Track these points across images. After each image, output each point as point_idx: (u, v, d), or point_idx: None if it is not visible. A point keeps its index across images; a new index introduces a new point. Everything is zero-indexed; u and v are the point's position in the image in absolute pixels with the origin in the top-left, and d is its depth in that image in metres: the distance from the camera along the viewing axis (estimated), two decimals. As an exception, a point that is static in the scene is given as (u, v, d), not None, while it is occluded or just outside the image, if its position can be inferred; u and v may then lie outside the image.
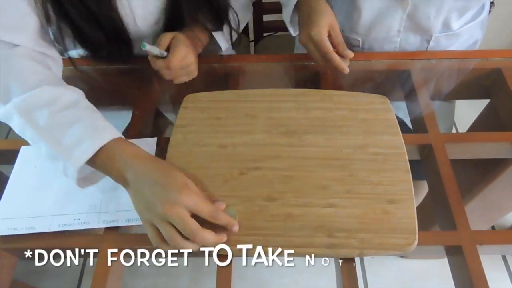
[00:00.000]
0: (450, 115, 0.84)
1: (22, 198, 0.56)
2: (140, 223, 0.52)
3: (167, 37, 0.62)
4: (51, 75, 0.55)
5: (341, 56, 0.63)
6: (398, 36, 0.72)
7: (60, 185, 0.56)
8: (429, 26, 0.70)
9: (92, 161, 0.47)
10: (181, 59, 0.61)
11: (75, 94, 0.52)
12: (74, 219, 0.53)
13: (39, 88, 0.50)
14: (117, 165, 0.47)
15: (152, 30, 0.68)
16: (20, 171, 0.59)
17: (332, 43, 0.62)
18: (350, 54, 0.64)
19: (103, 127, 0.49)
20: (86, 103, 0.53)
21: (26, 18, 0.55)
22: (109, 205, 0.54)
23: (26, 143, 0.61)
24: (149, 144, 0.60)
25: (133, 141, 0.59)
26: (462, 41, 0.76)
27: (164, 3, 0.65)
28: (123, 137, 0.50)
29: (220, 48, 0.72)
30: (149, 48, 0.58)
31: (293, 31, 0.71)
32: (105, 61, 0.71)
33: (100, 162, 0.48)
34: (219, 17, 0.68)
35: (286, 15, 0.69)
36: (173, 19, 0.67)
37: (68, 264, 0.50)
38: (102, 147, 0.47)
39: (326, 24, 0.61)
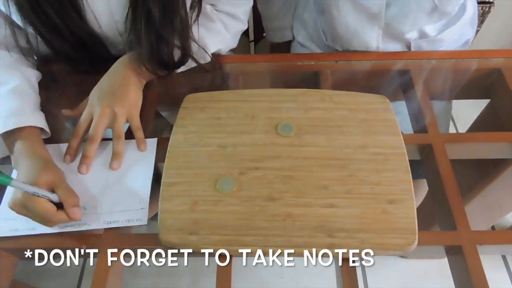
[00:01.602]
0: (447, 114, 0.84)
1: None
2: (140, 223, 0.52)
3: (84, 103, 0.60)
4: (8, 58, 0.61)
5: None
6: (377, 49, 0.74)
7: None
8: (405, 37, 0.72)
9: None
10: (103, 126, 0.57)
11: (16, 79, 0.59)
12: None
13: None
14: (12, 152, 0.55)
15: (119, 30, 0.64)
16: None
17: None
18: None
19: (15, 114, 0.55)
20: (21, 87, 0.59)
21: None
22: (109, 205, 0.54)
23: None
24: (150, 144, 0.60)
25: (133, 141, 0.60)
26: (451, 42, 0.76)
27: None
28: (30, 125, 0.56)
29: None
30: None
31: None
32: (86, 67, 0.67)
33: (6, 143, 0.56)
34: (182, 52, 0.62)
35: None
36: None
37: (68, 264, 0.50)
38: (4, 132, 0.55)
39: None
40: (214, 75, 0.72)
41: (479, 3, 0.83)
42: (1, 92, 0.58)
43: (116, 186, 0.56)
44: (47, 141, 0.59)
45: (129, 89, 0.60)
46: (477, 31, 0.86)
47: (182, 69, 0.66)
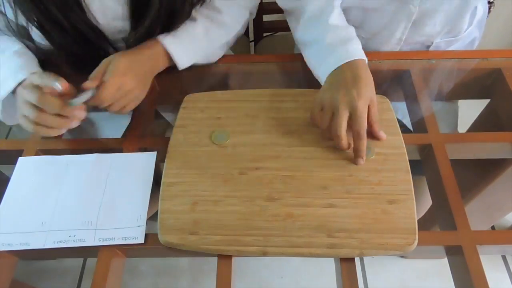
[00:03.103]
0: (454, 115, 0.84)
1: (17, 212, 0.55)
2: (136, 241, 0.52)
3: (100, 68, 0.58)
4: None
5: (374, 136, 0.57)
6: (398, 45, 0.72)
7: (56, 200, 0.55)
8: (433, 33, 0.70)
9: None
10: (113, 90, 0.57)
11: (16, 44, 0.62)
12: (70, 236, 0.52)
13: None
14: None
15: (116, 28, 0.64)
16: (17, 184, 0.58)
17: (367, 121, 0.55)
18: (383, 136, 0.57)
19: (23, 68, 0.58)
20: (24, 50, 0.62)
21: None
22: (105, 221, 0.53)
23: (25, 152, 0.62)
24: (148, 159, 0.59)
25: (133, 155, 0.60)
26: (460, 42, 0.76)
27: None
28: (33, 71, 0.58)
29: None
30: (77, 101, 0.54)
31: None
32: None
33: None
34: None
35: (325, 70, 0.60)
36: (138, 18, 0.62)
37: (68, 264, 0.50)
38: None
39: (369, 97, 0.54)
40: (214, 75, 0.72)
41: (479, 3, 0.83)
42: (6, 54, 0.60)
43: (113, 201, 0.55)
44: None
45: (148, 75, 0.63)
46: (477, 31, 0.86)
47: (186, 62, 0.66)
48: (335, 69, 0.58)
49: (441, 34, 0.71)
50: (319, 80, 0.63)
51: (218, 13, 0.69)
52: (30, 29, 0.60)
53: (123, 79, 0.58)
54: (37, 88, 0.54)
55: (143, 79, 0.62)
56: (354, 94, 0.53)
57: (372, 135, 0.57)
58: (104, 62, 0.59)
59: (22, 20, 0.59)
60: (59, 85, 0.54)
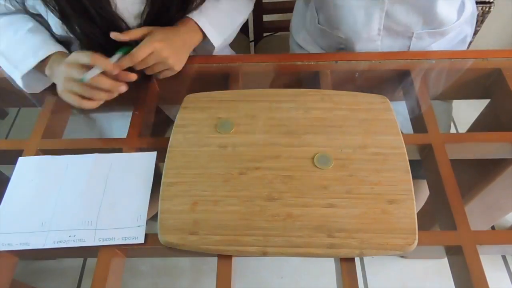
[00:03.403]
0: (448, 114, 0.84)
1: (17, 212, 0.55)
2: (136, 241, 0.52)
3: (136, 31, 0.63)
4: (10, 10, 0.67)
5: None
6: (379, 35, 0.72)
7: (56, 200, 0.55)
8: (409, 23, 0.70)
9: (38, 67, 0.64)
10: (148, 51, 0.61)
11: (30, 22, 0.66)
12: (70, 236, 0.52)
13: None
14: (47, 68, 0.64)
15: (133, 13, 0.67)
16: (17, 184, 0.58)
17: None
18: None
19: (42, 46, 0.64)
20: (37, 27, 0.66)
21: None
22: (105, 221, 0.53)
23: (25, 152, 0.62)
24: (148, 159, 0.59)
25: (133, 155, 0.60)
26: (450, 38, 0.76)
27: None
28: (54, 51, 0.64)
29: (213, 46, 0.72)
30: (87, 76, 0.58)
31: None
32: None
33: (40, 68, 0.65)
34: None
35: None
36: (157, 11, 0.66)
37: (68, 264, 0.50)
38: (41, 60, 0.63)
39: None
40: (214, 75, 0.72)
41: (479, 3, 0.83)
42: (20, 34, 0.65)
43: (113, 201, 0.55)
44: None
45: (185, 48, 0.67)
46: (477, 31, 0.86)
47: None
48: None
49: (419, 24, 0.71)
50: None
51: None
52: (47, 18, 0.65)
53: (160, 45, 0.62)
54: (83, 67, 0.58)
55: (179, 50, 0.66)
56: None
57: None
58: (142, 28, 0.63)
59: (41, 11, 0.64)
60: (103, 66, 0.58)
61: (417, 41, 0.74)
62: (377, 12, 0.69)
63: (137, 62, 0.61)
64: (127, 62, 0.61)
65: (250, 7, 0.79)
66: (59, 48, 0.65)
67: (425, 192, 0.90)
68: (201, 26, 0.68)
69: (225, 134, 0.59)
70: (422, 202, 0.93)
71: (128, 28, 0.66)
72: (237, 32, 0.78)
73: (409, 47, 0.75)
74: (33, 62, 0.63)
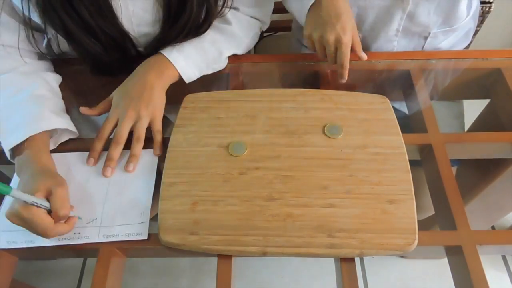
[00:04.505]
0: (460, 115, 0.84)
1: None
2: (140, 237, 0.52)
3: (102, 104, 0.61)
4: (26, 65, 0.62)
5: (358, 56, 0.64)
6: (396, 36, 0.73)
7: None
8: (429, 23, 0.71)
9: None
10: (126, 126, 0.58)
11: (36, 85, 0.60)
12: (74, 233, 0.52)
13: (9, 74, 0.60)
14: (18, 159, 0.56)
15: (140, 33, 0.65)
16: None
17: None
18: (364, 56, 0.65)
19: (35, 121, 0.56)
20: (41, 92, 0.60)
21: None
22: (109, 218, 0.53)
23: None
24: (151, 155, 0.60)
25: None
26: (456, 33, 0.76)
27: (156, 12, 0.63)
28: (46, 129, 0.56)
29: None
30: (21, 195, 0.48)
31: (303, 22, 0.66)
32: (109, 74, 0.68)
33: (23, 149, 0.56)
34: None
35: (303, 7, 0.64)
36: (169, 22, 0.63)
37: (68, 264, 0.50)
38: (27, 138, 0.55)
39: (352, 27, 0.61)
40: (214, 75, 0.72)
41: (479, 2, 0.83)
42: (19, 98, 0.58)
43: (117, 198, 0.55)
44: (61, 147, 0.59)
45: (154, 92, 0.61)
46: (477, 31, 0.86)
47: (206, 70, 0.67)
48: (312, 5, 0.63)
49: (437, 24, 0.72)
50: (300, 19, 0.67)
51: (227, 24, 0.69)
52: (51, 39, 0.61)
53: (120, 110, 0.59)
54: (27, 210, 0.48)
55: (139, 99, 0.60)
56: (339, 30, 0.60)
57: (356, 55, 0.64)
58: (103, 102, 0.61)
59: (48, 32, 0.59)
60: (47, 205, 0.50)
61: (432, 40, 0.75)
62: (399, 13, 0.69)
63: (124, 139, 0.58)
64: (118, 150, 0.57)
65: (249, 35, 0.73)
66: (48, 124, 0.57)
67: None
68: (177, 68, 0.64)
69: (237, 156, 0.57)
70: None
71: (131, 42, 0.64)
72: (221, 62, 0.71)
73: (423, 46, 0.75)
74: (24, 135, 0.55)
